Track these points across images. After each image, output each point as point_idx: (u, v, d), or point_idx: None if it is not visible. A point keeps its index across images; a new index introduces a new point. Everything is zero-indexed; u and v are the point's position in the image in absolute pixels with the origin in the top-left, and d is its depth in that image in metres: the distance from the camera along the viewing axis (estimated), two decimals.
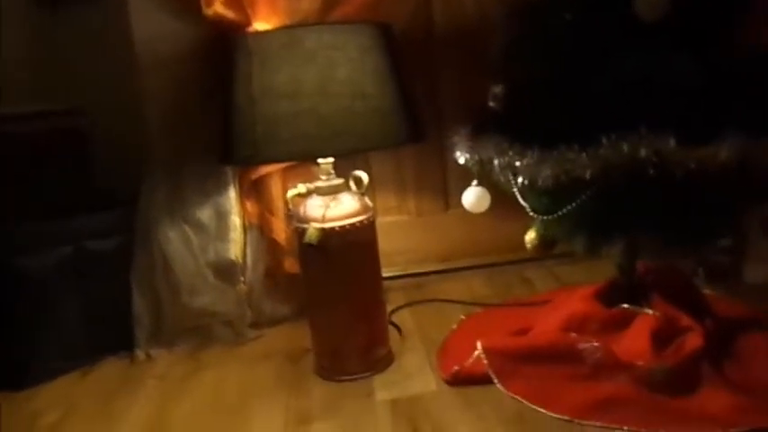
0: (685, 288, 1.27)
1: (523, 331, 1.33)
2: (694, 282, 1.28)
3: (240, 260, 1.55)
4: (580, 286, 1.40)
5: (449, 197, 1.77)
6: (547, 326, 1.29)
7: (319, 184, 1.30)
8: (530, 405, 1.13)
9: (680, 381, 1.09)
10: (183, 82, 1.53)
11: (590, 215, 1.08)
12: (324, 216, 1.26)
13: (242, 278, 1.56)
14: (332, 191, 1.29)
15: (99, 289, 1.52)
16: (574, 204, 1.08)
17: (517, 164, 1.14)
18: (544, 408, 1.11)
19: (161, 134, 1.54)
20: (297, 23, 1.46)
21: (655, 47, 1.07)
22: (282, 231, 1.55)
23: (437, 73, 1.68)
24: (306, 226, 1.26)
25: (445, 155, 1.73)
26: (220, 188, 1.54)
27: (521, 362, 1.21)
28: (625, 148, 1.01)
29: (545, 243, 1.16)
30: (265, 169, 1.52)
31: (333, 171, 1.30)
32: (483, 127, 1.26)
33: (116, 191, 1.58)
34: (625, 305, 1.26)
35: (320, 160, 1.29)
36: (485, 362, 1.23)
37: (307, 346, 1.44)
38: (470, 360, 1.24)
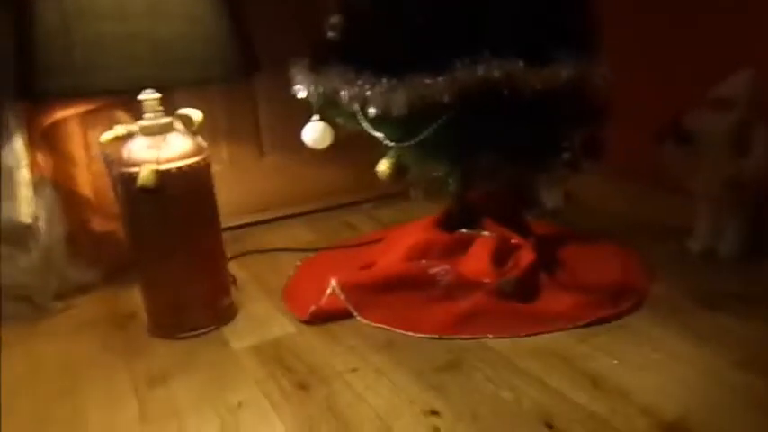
0: (510, 211, 1.38)
1: (368, 267, 1.34)
2: (517, 206, 1.40)
3: (34, 222, 1.32)
4: (412, 222, 1.45)
5: (263, 144, 1.69)
6: (393, 257, 1.31)
7: (145, 123, 1.15)
8: (396, 330, 1.15)
9: (525, 289, 1.19)
10: None
11: (446, 139, 1.11)
12: (158, 157, 1.12)
13: (37, 242, 1.33)
14: (160, 130, 1.16)
15: None
16: (430, 130, 1.11)
17: (368, 93, 1.13)
18: (410, 331, 1.14)
19: None
20: None
21: None
22: (88, 184, 1.35)
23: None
24: (136, 169, 1.11)
25: (257, 99, 1.66)
26: (1, 138, 1.28)
27: (377, 293, 1.23)
28: (479, 70, 1.05)
29: (399, 171, 1.17)
30: (61, 113, 1.30)
31: (160, 108, 1.16)
32: (322, 59, 1.22)
33: None
34: (463, 230, 1.33)
35: (145, 96, 1.14)
36: (341, 297, 1.21)
37: (131, 310, 1.30)
38: (325, 297, 1.22)
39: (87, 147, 1.35)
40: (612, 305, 1.14)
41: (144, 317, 1.25)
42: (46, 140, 1.33)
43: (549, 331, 1.10)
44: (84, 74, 1.02)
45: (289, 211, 1.75)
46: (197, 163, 1.16)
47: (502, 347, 1.08)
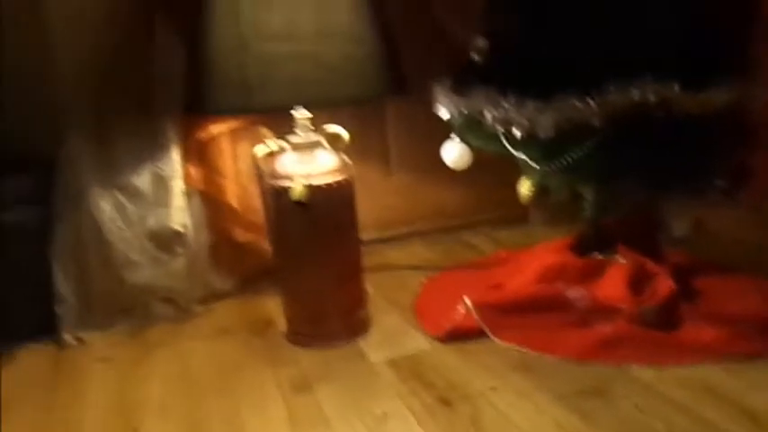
0: (646, 237, 1.36)
1: (496, 287, 1.35)
2: (652, 232, 1.38)
3: (184, 229, 1.40)
4: (540, 245, 1.45)
5: (390, 162, 1.73)
6: (525, 279, 1.31)
7: (296, 139, 1.22)
8: (531, 352, 1.15)
9: (667, 318, 1.17)
10: (102, 23, 1.33)
11: (592, 162, 1.11)
12: (310, 173, 1.18)
13: (185, 249, 1.41)
14: (310, 147, 1.22)
15: (9, 266, 1.30)
16: (576, 153, 1.11)
17: (513, 115, 1.15)
18: (547, 353, 1.14)
19: (79, 85, 1.34)
20: None
21: None
22: (233, 195, 1.43)
23: None
24: (287, 183, 1.17)
25: (386, 117, 1.70)
26: (160, 150, 1.38)
27: (511, 314, 1.23)
28: (634, 94, 1.05)
29: (542, 193, 1.18)
30: (215, 128, 1.39)
31: (311, 126, 1.22)
32: (466, 80, 1.25)
33: (31, 151, 1.35)
34: (596, 254, 1.32)
35: (298, 114, 1.20)
36: (475, 316, 1.23)
37: (267, 317, 1.36)
38: (460, 316, 1.23)
39: (235, 160, 1.43)
40: (761, 339, 1.10)
41: (281, 324, 1.31)
42: (197, 153, 1.42)
43: (695, 362, 1.07)
44: (255, 92, 1.08)
45: (409, 229, 1.78)
46: (344, 180, 1.21)
47: (646, 376, 1.06)
